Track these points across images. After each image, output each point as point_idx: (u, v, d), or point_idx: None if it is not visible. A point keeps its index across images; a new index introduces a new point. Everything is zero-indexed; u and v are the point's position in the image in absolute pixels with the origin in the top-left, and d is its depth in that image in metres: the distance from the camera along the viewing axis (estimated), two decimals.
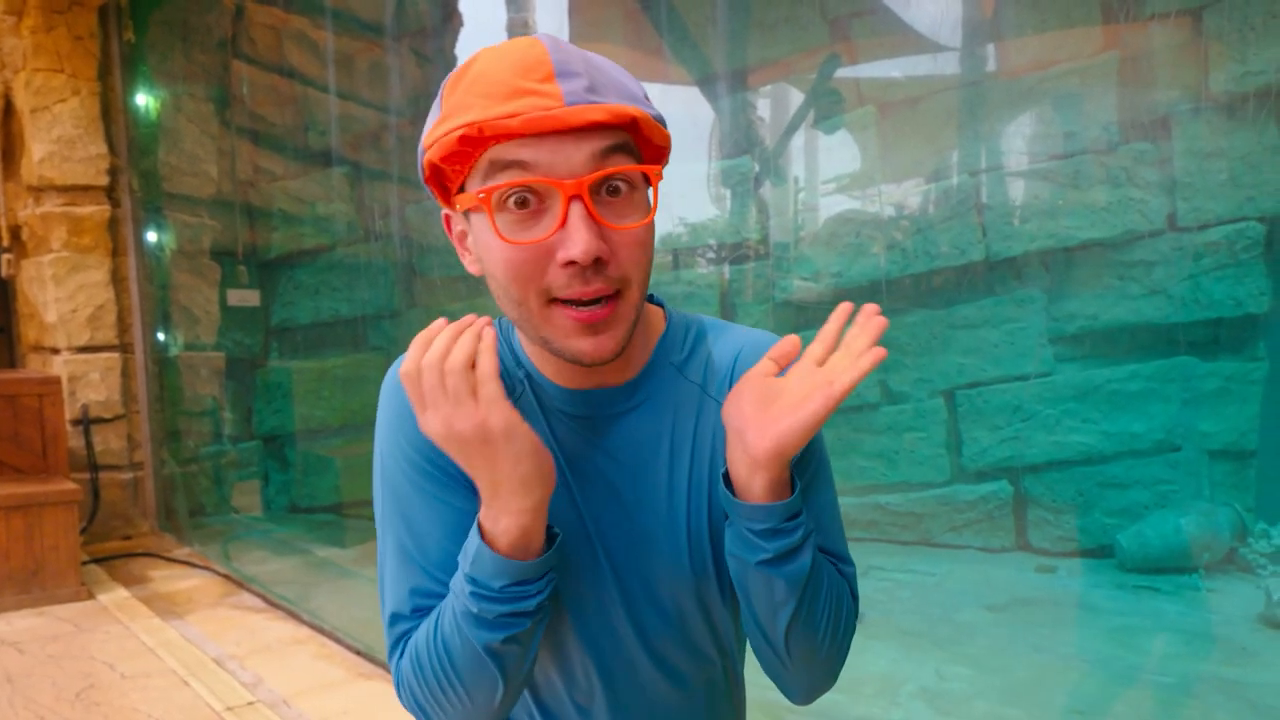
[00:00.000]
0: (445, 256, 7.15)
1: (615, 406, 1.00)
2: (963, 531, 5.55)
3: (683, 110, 6.47)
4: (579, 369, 0.97)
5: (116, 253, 6.66)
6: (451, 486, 0.96)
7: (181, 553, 6.20)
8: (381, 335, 7.29)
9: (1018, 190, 5.53)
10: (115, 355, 6.64)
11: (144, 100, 6.83)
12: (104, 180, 6.58)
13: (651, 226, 0.90)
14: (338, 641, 4.40)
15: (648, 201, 0.90)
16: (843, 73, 6.12)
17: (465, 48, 7.44)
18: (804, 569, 0.91)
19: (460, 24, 7.42)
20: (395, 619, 0.99)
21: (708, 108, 6.56)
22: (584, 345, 0.88)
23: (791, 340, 0.91)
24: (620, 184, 0.86)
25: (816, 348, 0.90)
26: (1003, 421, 5.42)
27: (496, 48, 0.87)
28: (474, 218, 0.90)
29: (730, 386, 0.98)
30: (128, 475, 6.70)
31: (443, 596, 0.95)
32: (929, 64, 5.85)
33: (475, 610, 0.87)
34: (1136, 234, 5.11)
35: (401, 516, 0.99)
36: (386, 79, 7.31)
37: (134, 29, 6.71)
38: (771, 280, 6.05)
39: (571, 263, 0.84)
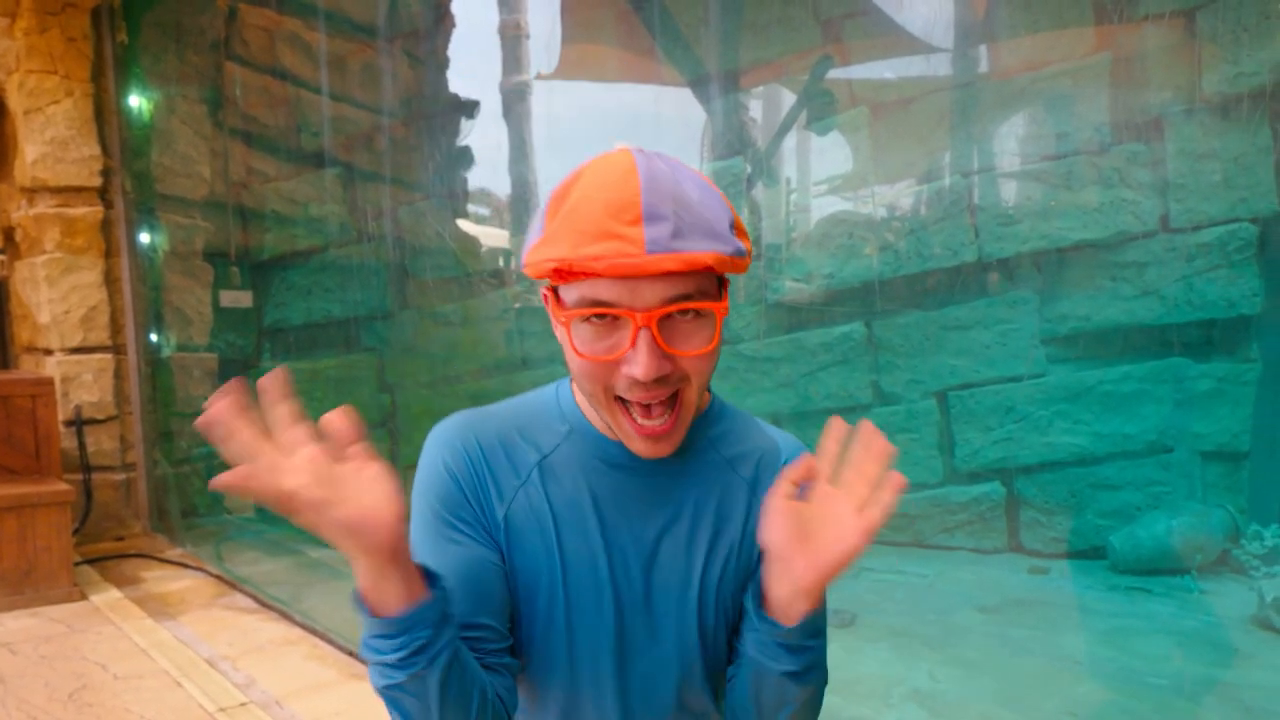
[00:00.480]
0: (437, 258, 7.07)
1: (650, 464, 1.08)
2: (955, 533, 5.46)
3: (674, 111, 6.39)
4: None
5: (109, 254, 6.57)
6: (462, 534, 1.05)
7: (174, 553, 6.09)
8: (374, 336, 7.19)
9: (1010, 191, 5.45)
10: (108, 356, 6.54)
11: (137, 102, 6.72)
12: (97, 181, 6.48)
13: (715, 349, 0.99)
14: (329, 642, 4.35)
15: (713, 325, 0.97)
16: (835, 74, 6.02)
17: (457, 49, 7.36)
18: (822, 678, 1.04)
19: (453, 25, 7.32)
20: None
21: (699, 109, 6.47)
22: (642, 448, 1.00)
23: (808, 463, 0.95)
24: (690, 310, 0.95)
25: (825, 467, 0.95)
26: (995, 423, 5.34)
27: (597, 173, 0.95)
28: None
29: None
30: (120, 476, 6.61)
31: None
32: (921, 65, 5.77)
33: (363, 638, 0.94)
34: (1129, 235, 5.03)
35: (418, 543, 1.06)
36: (379, 81, 7.21)
37: (127, 30, 6.60)
38: (764, 281, 5.96)
39: (635, 378, 0.94)
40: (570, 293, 0.95)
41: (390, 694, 0.93)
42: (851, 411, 5.70)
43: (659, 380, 0.94)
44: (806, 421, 5.74)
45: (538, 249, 0.95)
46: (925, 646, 4.33)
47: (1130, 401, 5.06)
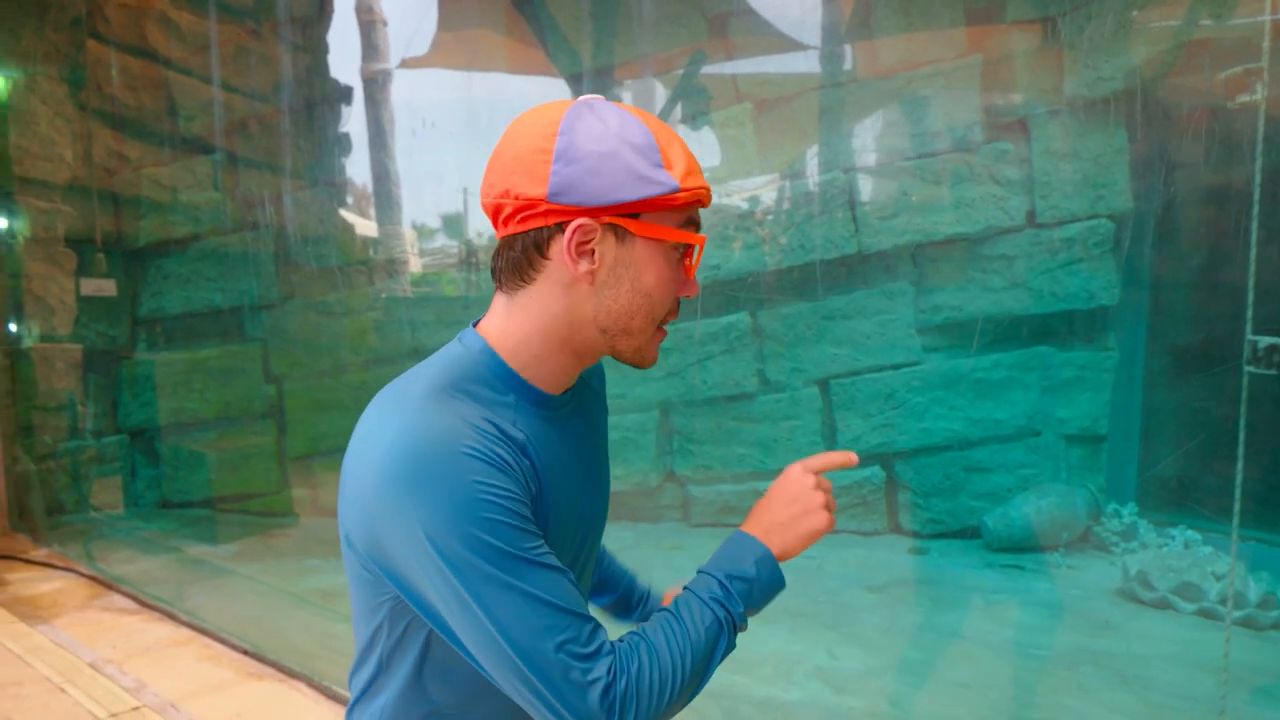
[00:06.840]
0: (322, 247, 6.13)
1: (565, 406, 0.99)
2: (838, 516, 4.95)
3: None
4: (562, 379, 0.95)
5: None
6: (538, 536, 0.85)
7: (39, 554, 5.22)
8: (258, 326, 6.18)
9: (888, 186, 4.97)
10: None
11: None
12: None
13: None
14: (222, 642, 3.77)
15: None
16: (721, 69, 5.41)
17: (335, 33, 6.33)
18: None
19: (332, 9, 6.33)
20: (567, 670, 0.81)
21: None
22: (655, 357, 0.96)
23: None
24: None
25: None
26: (875, 409, 4.87)
27: (652, 119, 0.87)
28: (639, 244, 0.86)
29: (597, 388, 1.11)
30: None
31: (582, 634, 0.81)
32: (804, 62, 5.22)
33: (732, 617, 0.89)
34: (998, 229, 4.68)
35: (508, 586, 0.80)
36: (254, 64, 6.19)
37: None
38: None
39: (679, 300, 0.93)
40: (666, 219, 0.86)
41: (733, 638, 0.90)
42: (735, 400, 5.14)
43: None
44: (695, 410, 5.16)
45: (687, 178, 0.85)
46: (822, 626, 3.97)
47: (1000, 388, 4.71)
